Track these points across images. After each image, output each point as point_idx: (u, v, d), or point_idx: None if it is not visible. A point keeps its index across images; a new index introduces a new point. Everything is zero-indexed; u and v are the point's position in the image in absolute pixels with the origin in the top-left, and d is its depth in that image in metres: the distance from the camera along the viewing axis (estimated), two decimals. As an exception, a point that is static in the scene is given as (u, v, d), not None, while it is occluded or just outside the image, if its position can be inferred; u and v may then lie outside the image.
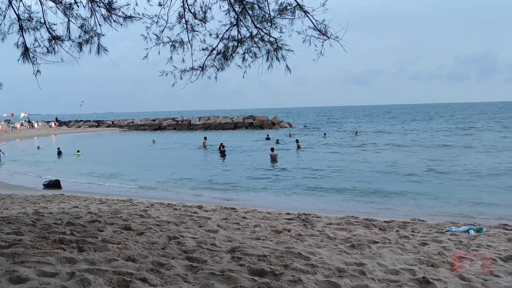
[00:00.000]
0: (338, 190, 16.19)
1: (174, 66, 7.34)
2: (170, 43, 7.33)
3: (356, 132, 48.74)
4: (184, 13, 7.22)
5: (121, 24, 7.25)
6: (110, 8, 7.24)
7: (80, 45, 7.51)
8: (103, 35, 7.45)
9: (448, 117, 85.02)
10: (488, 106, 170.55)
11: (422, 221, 10.47)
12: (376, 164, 23.05)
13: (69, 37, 7.47)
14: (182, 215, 10.16)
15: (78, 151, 33.55)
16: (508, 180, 16.92)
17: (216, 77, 7.51)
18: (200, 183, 18.88)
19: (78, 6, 7.34)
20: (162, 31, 7.25)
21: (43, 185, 18.45)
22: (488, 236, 8.31)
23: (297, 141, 34.19)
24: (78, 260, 5.11)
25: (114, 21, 7.27)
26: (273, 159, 25.41)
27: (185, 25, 7.30)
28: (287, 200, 14.88)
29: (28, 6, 7.56)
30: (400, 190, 15.70)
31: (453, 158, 24.55)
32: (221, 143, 32.31)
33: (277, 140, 38.24)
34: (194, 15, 7.26)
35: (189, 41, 7.36)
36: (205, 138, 36.53)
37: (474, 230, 8.74)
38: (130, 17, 7.21)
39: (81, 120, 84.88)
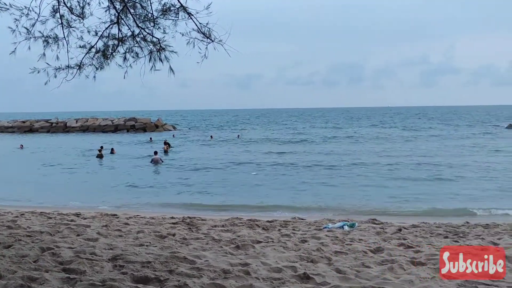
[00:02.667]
0: (221, 192, 16.37)
1: (47, 63, 6.84)
2: (43, 38, 6.80)
3: (238, 136, 49.94)
4: (59, 7, 6.73)
5: (-17, 14, 6.53)
6: (-32, -6, 6.47)
7: None
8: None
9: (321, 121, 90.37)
10: (358, 111, 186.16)
11: (302, 219, 11.04)
12: (254, 165, 23.74)
13: None
14: (58, 223, 9.46)
15: None
16: (375, 177, 18.59)
17: (94, 77, 7.17)
18: (78, 189, 17.73)
19: None
20: (34, 24, 6.70)
21: None
22: (360, 231, 9.06)
23: (164, 143, 33.75)
24: None
25: (-27, 10, 6.51)
26: (156, 163, 24.80)
27: (60, 20, 6.82)
28: (171, 204, 14.62)
29: None
30: (277, 189, 16.40)
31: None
32: (101, 146, 31.46)
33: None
34: (71, 10, 6.82)
35: (64, 37, 6.90)
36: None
37: (347, 225, 9.48)
38: (-6, 6, 6.51)
39: None
